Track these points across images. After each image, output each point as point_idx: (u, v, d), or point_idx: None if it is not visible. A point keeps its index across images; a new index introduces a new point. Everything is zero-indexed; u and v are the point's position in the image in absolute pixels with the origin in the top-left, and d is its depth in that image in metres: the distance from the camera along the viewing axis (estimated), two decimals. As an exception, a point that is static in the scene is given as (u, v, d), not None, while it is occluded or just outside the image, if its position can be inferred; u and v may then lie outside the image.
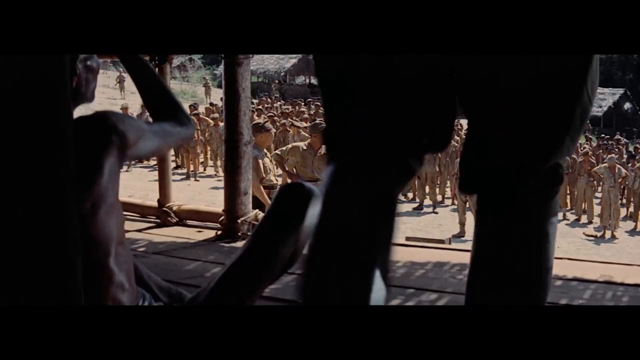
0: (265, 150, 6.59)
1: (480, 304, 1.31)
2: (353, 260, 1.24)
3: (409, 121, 1.25)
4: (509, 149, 1.23)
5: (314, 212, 1.68)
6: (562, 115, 1.21)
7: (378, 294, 1.25)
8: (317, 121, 7.69)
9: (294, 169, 7.22)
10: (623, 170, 12.40)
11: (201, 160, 15.82)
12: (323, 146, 6.67)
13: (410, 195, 13.50)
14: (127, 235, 1.66)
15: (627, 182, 12.95)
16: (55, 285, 1.01)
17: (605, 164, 12.62)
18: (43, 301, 0.99)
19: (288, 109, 19.90)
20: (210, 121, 15.33)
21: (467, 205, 10.79)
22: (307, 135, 11.23)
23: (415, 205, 13.01)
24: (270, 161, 6.57)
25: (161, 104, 1.72)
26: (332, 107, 1.33)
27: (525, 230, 1.26)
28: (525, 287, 1.27)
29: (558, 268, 2.63)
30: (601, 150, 15.94)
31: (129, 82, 25.47)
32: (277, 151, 6.99)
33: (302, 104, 22.94)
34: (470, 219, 10.86)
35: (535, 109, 1.20)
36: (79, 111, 1.54)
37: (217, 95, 23.41)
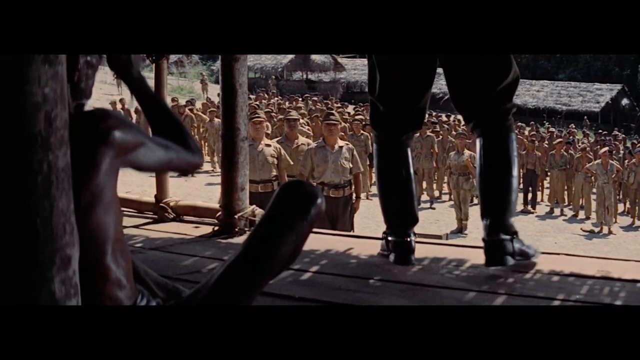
0: (258, 144, 6.42)
1: (488, 189, 2.54)
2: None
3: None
4: (481, 88, 2.50)
5: (313, 210, 1.68)
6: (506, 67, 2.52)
7: None
8: (290, 114, 7.54)
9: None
10: (615, 166, 12.37)
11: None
12: (299, 136, 6.98)
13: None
14: (124, 231, 1.66)
15: (622, 178, 12.93)
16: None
17: (598, 161, 12.61)
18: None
19: (285, 104, 19.89)
20: (206, 117, 15.30)
21: (461, 198, 10.81)
22: (305, 130, 11.21)
23: (413, 201, 12.96)
24: (264, 156, 6.47)
25: (170, 129, 1.75)
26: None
27: (500, 139, 2.53)
28: (505, 173, 2.52)
29: (555, 264, 2.63)
30: (599, 147, 15.96)
31: (126, 78, 25.44)
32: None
33: (299, 99, 22.92)
34: (469, 215, 10.86)
35: (492, 65, 2.48)
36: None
37: (214, 91, 23.35)
